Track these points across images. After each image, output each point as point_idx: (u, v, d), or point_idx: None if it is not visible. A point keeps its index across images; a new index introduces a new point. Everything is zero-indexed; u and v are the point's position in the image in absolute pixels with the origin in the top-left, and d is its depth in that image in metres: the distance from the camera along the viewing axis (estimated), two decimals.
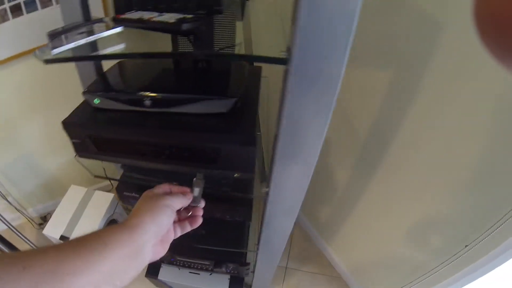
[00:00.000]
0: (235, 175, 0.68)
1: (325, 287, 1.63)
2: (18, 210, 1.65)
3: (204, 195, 0.59)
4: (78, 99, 0.73)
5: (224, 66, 0.85)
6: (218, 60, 0.84)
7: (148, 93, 0.65)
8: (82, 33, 0.63)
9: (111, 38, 0.67)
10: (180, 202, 0.51)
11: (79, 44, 0.56)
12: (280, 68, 0.46)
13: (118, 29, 0.58)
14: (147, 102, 0.66)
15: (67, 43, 0.56)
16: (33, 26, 1.29)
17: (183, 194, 0.54)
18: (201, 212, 0.58)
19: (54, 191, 1.90)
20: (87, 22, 0.75)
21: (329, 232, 1.67)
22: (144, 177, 0.91)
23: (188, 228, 0.55)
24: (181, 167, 0.71)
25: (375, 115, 1.07)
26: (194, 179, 0.60)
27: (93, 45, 0.64)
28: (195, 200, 0.56)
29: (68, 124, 0.71)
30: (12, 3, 1.22)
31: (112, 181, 1.04)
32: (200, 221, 0.57)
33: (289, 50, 0.44)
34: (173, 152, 0.68)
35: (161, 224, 0.45)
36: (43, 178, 1.82)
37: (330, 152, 1.39)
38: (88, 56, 0.56)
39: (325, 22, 0.38)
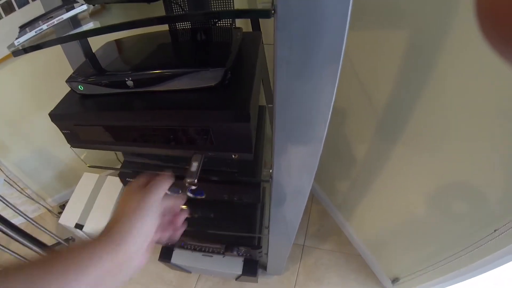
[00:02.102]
0: (233, 156, 0.62)
1: (343, 266, 1.57)
2: (37, 202, 1.68)
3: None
4: None
5: (213, 35, 0.78)
6: (199, 23, 0.77)
7: (128, 73, 0.60)
8: (49, 18, 0.58)
9: (84, 18, 0.61)
10: (167, 182, 0.47)
11: (42, 30, 0.50)
12: None
13: (83, 7, 0.52)
14: (129, 83, 0.60)
15: (30, 32, 0.51)
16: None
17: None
18: (185, 215, 0.52)
19: (69, 179, 1.92)
20: (60, 6, 0.69)
21: (348, 208, 1.60)
22: (144, 161, 0.87)
23: (167, 235, 0.49)
24: (174, 150, 0.66)
25: (392, 82, 0.96)
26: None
27: (64, 28, 0.58)
28: (192, 175, 0.54)
29: (55, 116, 0.69)
30: None
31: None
32: (182, 230, 0.51)
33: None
34: (163, 135, 0.62)
35: (149, 230, 0.41)
36: (57, 168, 1.84)
37: (347, 124, 1.30)
38: (50, 41, 0.50)
39: None
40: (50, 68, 1.42)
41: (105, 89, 0.64)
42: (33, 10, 1.20)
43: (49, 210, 1.77)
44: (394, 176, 1.17)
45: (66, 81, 0.67)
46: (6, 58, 1.30)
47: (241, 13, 0.40)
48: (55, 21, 0.51)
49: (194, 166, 0.57)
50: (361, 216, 1.53)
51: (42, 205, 1.71)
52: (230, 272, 1.25)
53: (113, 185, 1.53)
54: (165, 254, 1.32)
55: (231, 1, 0.61)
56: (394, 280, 1.37)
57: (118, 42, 0.80)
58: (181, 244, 1.14)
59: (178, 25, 0.83)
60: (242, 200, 0.91)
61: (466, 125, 0.79)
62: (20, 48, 0.55)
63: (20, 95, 1.45)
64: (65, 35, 0.51)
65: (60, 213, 1.88)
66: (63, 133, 0.72)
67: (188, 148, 0.62)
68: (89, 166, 0.81)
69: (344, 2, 0.34)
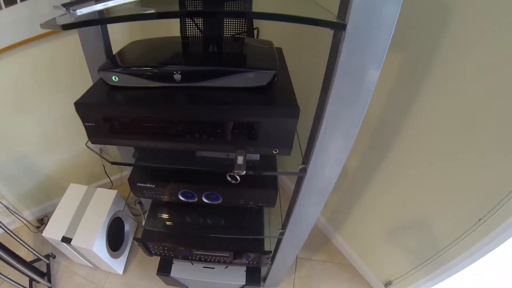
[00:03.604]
0: (274, 152, 0.64)
1: (336, 275, 1.60)
2: (13, 214, 1.54)
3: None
4: (73, 94, 0.66)
5: (244, 42, 0.81)
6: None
7: (177, 66, 0.60)
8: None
9: (131, 6, 0.61)
10: None
11: (107, 6, 0.50)
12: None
13: None
14: (177, 76, 0.61)
15: (96, 5, 0.50)
16: (25, 17, 1.20)
17: None
18: None
19: (50, 191, 1.80)
20: None
21: (338, 219, 1.66)
22: (164, 165, 0.84)
23: None
24: (214, 146, 0.66)
25: (385, 100, 1.06)
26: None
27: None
28: (240, 167, 0.59)
29: (82, 105, 0.64)
30: None
31: (112, 178, 0.98)
32: None
33: (342, 18, 0.46)
34: (207, 130, 0.62)
35: None
36: (38, 179, 1.71)
37: None
38: (126, 16, 0.49)
39: None
40: (40, 71, 1.36)
41: (146, 82, 0.63)
42: (36, 3, 1.18)
43: (28, 223, 1.62)
44: (383, 188, 1.25)
45: (99, 71, 0.65)
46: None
47: (319, 23, 0.46)
48: (121, 1, 0.51)
49: (240, 159, 0.60)
50: (350, 226, 1.59)
51: (18, 217, 1.57)
52: (233, 283, 1.22)
53: (104, 197, 1.44)
54: (164, 267, 1.26)
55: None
56: (387, 284, 1.42)
57: (147, 41, 0.80)
58: (186, 254, 1.09)
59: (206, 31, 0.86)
60: (258, 204, 0.92)
61: (453, 138, 0.91)
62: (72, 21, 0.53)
63: (6, 97, 1.36)
64: (140, 12, 0.50)
65: (38, 227, 1.74)
66: (85, 126, 0.67)
67: (230, 144, 0.63)
68: (111, 163, 0.77)
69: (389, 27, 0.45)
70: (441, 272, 1.12)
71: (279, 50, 0.89)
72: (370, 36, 0.46)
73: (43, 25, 0.58)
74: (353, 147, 1.27)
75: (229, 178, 0.63)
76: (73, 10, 0.48)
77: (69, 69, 1.40)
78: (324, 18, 0.47)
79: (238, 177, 0.63)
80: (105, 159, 0.76)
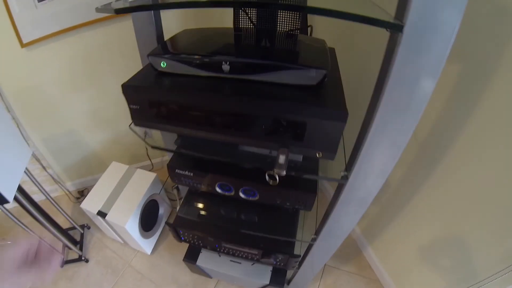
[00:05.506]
0: (317, 155, 0.60)
1: None
2: (56, 182, 1.65)
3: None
4: (124, 77, 0.67)
5: (297, 38, 0.77)
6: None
7: (226, 57, 0.58)
8: None
9: None
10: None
11: None
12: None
13: None
14: (225, 67, 0.59)
15: None
16: (83, 2, 1.26)
17: None
18: None
19: (93, 167, 1.90)
20: None
21: (373, 232, 1.58)
22: (205, 155, 0.84)
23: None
24: (257, 142, 0.63)
25: (438, 113, 0.98)
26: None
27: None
28: (281, 167, 0.57)
29: (129, 88, 0.65)
30: None
31: (153, 162, 0.99)
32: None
33: (399, 19, 0.42)
34: (249, 125, 0.60)
35: None
36: (84, 153, 1.82)
37: None
38: (177, 3, 0.49)
39: None
40: (95, 52, 1.43)
41: (194, 70, 0.62)
42: None
43: (69, 193, 1.72)
44: (425, 207, 1.16)
45: (148, 56, 0.65)
46: (52, 35, 1.30)
47: (375, 22, 0.43)
48: None
49: (282, 158, 0.57)
50: (384, 241, 1.50)
51: (61, 187, 1.67)
52: (257, 281, 1.20)
53: (143, 179, 1.49)
54: (191, 255, 1.27)
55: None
56: None
57: (198, 30, 0.79)
58: (215, 246, 1.09)
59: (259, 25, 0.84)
60: (294, 206, 0.88)
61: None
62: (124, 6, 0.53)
63: (63, 75, 1.45)
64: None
65: (78, 198, 1.85)
66: (130, 108, 0.68)
67: (273, 141, 0.60)
68: (152, 147, 0.78)
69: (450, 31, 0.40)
70: None
71: (332, 50, 0.85)
72: (429, 40, 0.41)
73: (98, 9, 0.59)
74: (399, 159, 1.20)
75: (267, 178, 0.60)
76: None
77: (122, 53, 1.45)
78: (380, 18, 0.43)
79: (277, 176, 0.59)
80: (146, 142, 0.77)
